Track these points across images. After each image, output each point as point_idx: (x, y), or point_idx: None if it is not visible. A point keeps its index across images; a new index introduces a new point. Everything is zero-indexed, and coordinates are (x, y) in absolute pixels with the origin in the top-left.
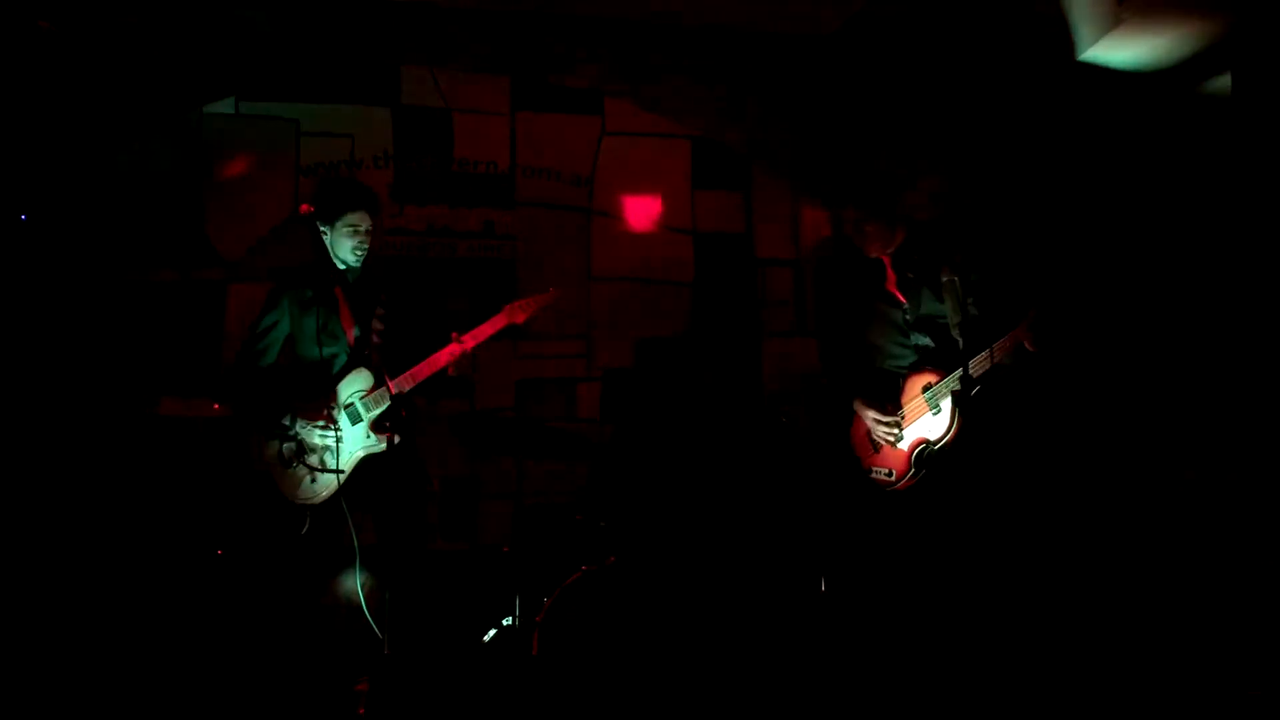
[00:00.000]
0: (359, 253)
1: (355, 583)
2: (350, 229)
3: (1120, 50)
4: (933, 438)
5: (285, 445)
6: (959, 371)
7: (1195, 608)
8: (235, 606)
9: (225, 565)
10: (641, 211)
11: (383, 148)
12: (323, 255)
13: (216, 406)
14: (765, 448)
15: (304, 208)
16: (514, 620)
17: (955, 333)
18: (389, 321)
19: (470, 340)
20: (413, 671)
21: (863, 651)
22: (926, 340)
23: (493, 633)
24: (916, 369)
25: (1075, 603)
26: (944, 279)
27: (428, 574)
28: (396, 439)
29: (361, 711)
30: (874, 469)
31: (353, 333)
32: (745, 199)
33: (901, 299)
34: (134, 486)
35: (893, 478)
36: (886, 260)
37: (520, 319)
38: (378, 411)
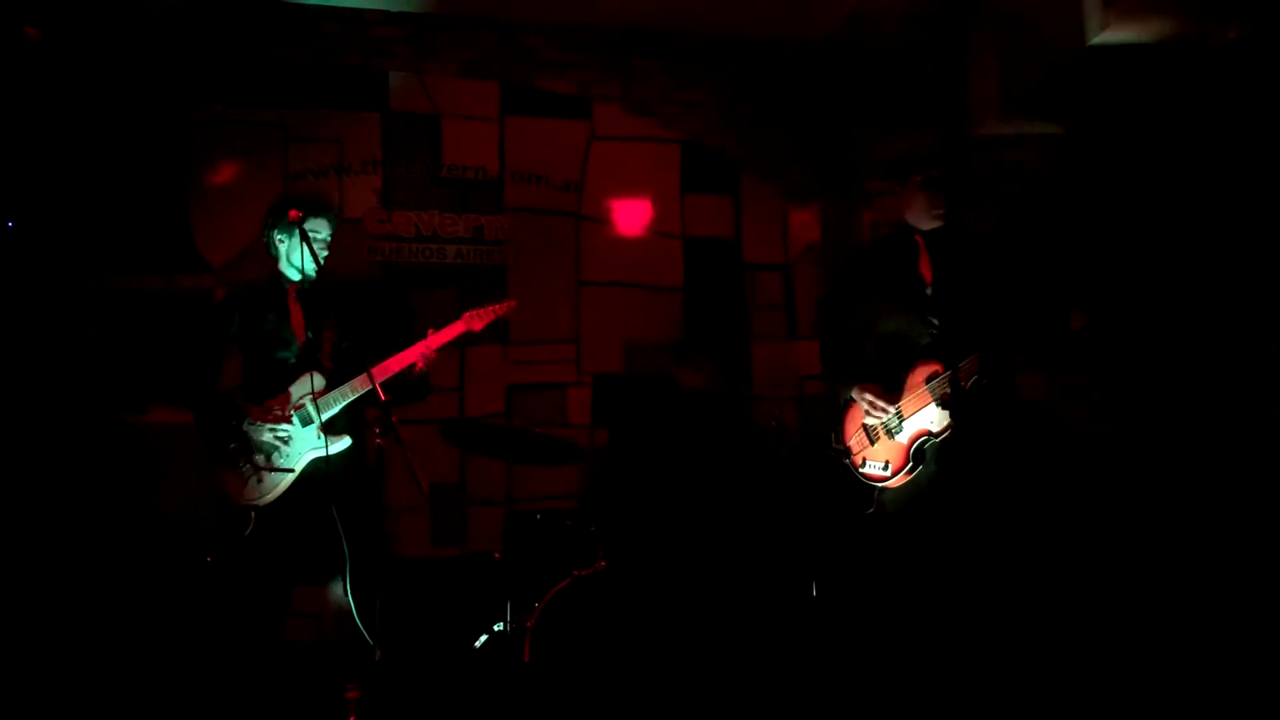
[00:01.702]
0: (308, 266)
1: (345, 589)
2: (310, 234)
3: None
4: (935, 429)
5: (230, 444)
6: (963, 364)
7: (1194, 611)
8: (220, 613)
9: (213, 572)
10: (631, 216)
11: (371, 153)
12: (274, 267)
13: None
14: (755, 451)
15: (292, 214)
16: (505, 626)
17: (969, 324)
18: (342, 329)
19: (435, 340)
20: (404, 678)
21: (854, 655)
22: (939, 327)
23: (484, 638)
24: (923, 357)
25: (1073, 604)
26: (974, 270)
27: (389, 580)
28: (348, 441)
29: (352, 719)
30: (868, 463)
31: (303, 337)
32: (734, 203)
33: (928, 279)
34: (121, 492)
35: (888, 472)
36: (920, 240)
37: (478, 326)
38: (330, 414)
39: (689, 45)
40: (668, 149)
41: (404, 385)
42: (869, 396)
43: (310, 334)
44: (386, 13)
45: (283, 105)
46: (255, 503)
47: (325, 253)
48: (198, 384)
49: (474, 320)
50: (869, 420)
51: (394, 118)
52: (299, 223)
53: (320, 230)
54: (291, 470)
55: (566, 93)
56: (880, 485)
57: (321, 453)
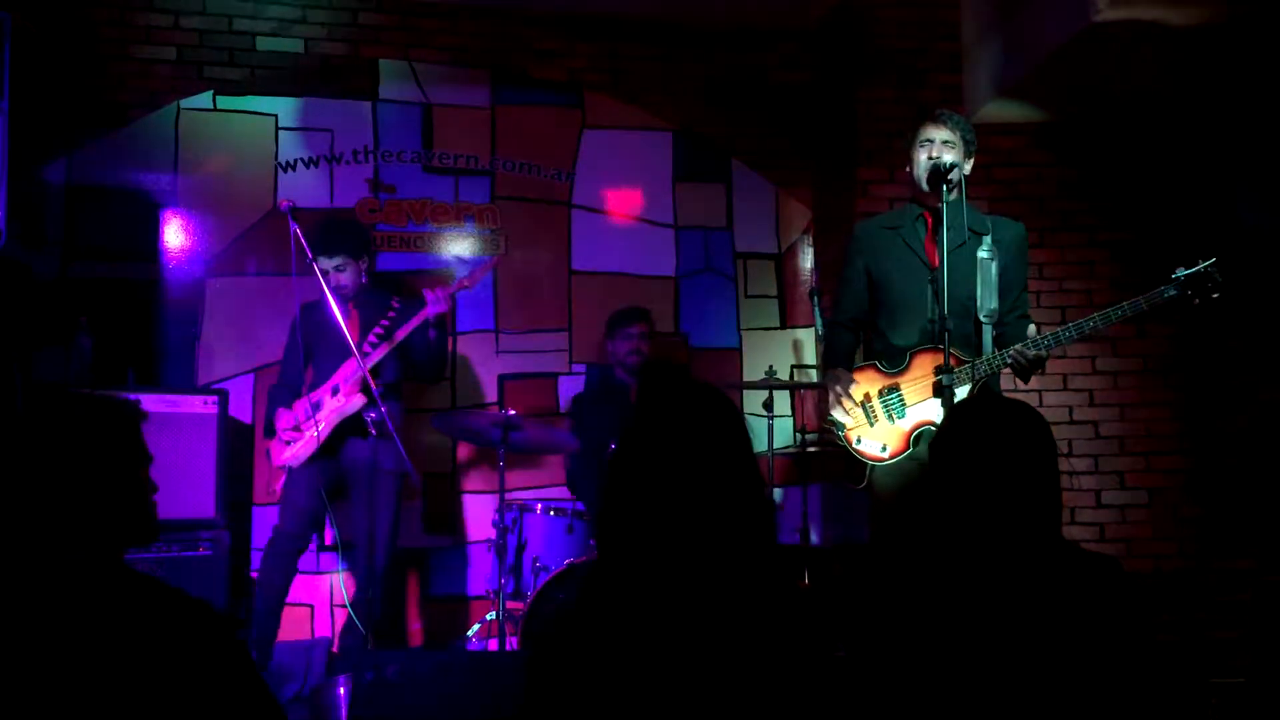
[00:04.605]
0: (347, 291)
1: (339, 579)
2: (321, 274)
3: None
4: (940, 421)
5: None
6: (979, 360)
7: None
8: None
9: None
10: (622, 205)
11: (363, 142)
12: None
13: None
14: (745, 440)
15: (284, 203)
16: (498, 615)
17: (983, 316)
18: (388, 328)
19: (443, 293)
20: (395, 666)
21: (847, 641)
22: (941, 316)
23: (476, 627)
24: (930, 345)
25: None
26: (983, 254)
27: (395, 570)
28: (362, 396)
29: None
30: (864, 440)
31: (354, 358)
32: (727, 192)
33: (934, 262)
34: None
35: (885, 454)
36: (929, 216)
37: (469, 285)
38: (352, 380)
39: (680, 33)
40: (659, 137)
41: (422, 348)
42: (880, 385)
43: (358, 350)
44: (376, 0)
45: (273, 93)
46: (290, 464)
47: (346, 283)
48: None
49: (467, 279)
50: (871, 405)
51: (385, 106)
52: (289, 214)
53: (328, 267)
54: (316, 421)
55: (558, 81)
56: (873, 464)
57: (344, 408)
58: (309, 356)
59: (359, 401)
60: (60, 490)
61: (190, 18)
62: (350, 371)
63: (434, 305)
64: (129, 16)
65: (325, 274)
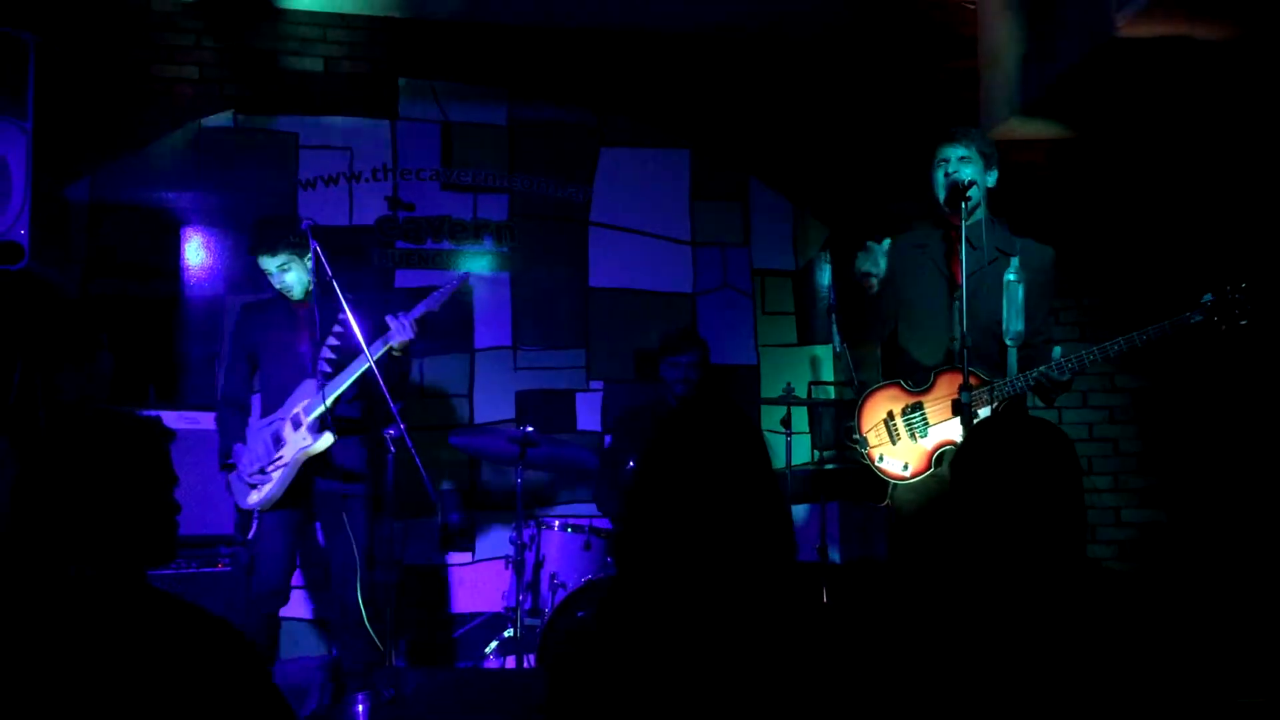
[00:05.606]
0: (294, 292)
1: (356, 594)
2: (265, 274)
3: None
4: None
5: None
6: (1002, 381)
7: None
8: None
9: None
10: (640, 222)
11: (381, 160)
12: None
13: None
14: (765, 458)
15: (304, 221)
16: (515, 632)
17: (1008, 339)
18: (343, 338)
19: (406, 319)
20: (413, 684)
21: (868, 663)
22: (965, 331)
23: (494, 644)
24: (953, 365)
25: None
26: (1009, 276)
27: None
28: (330, 436)
29: None
30: (886, 459)
31: (310, 356)
32: (744, 209)
33: (958, 278)
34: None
35: (907, 473)
36: (954, 234)
37: (435, 306)
38: (315, 414)
39: (699, 49)
40: (677, 154)
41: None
42: (904, 403)
43: (314, 350)
44: (395, 19)
45: (293, 112)
46: (256, 508)
47: (289, 285)
48: (225, 413)
49: (434, 301)
50: (895, 424)
51: (404, 124)
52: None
53: (269, 268)
54: (281, 461)
55: (575, 98)
56: (894, 482)
57: (309, 449)
58: (254, 365)
59: (326, 442)
60: (88, 509)
61: (211, 37)
62: (307, 397)
63: (397, 333)
64: (151, 36)
65: (269, 275)
